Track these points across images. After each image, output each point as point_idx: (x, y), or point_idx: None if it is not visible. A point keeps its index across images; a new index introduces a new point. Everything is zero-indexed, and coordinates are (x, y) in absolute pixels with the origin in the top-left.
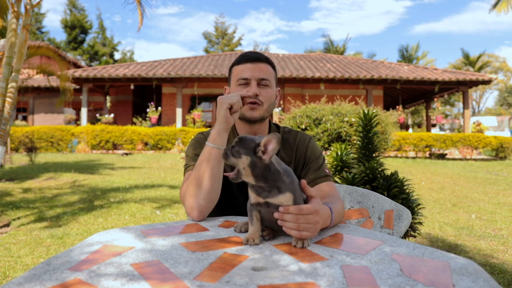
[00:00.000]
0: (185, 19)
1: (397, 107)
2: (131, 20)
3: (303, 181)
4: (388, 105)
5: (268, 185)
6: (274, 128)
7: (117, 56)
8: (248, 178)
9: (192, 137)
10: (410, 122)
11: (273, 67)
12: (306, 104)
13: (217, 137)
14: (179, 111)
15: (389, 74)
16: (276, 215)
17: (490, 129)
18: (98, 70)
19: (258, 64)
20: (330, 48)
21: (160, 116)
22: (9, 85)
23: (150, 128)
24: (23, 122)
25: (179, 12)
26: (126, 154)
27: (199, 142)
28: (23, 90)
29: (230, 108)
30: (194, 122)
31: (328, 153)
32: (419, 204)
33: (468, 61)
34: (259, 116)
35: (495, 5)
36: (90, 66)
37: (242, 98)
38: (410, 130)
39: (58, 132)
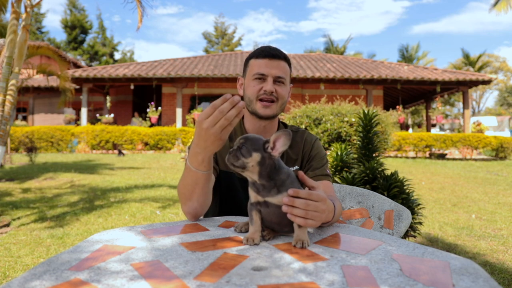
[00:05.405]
0: (184, 19)
1: (397, 107)
2: (131, 20)
3: (300, 172)
4: (388, 105)
5: (269, 184)
6: (282, 126)
7: (117, 56)
8: (253, 175)
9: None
10: (410, 122)
11: (290, 64)
12: (306, 104)
13: (205, 163)
14: (179, 111)
15: (389, 74)
16: (285, 199)
17: (490, 129)
18: (98, 70)
19: (276, 61)
20: (331, 48)
21: (160, 116)
22: (9, 85)
23: (150, 128)
24: (23, 122)
25: (178, 12)
26: (122, 153)
27: None
28: (23, 90)
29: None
30: (194, 122)
31: (328, 153)
32: (419, 204)
33: (468, 61)
34: (272, 114)
35: (495, 4)
36: (90, 66)
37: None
38: (410, 130)
39: (58, 132)
